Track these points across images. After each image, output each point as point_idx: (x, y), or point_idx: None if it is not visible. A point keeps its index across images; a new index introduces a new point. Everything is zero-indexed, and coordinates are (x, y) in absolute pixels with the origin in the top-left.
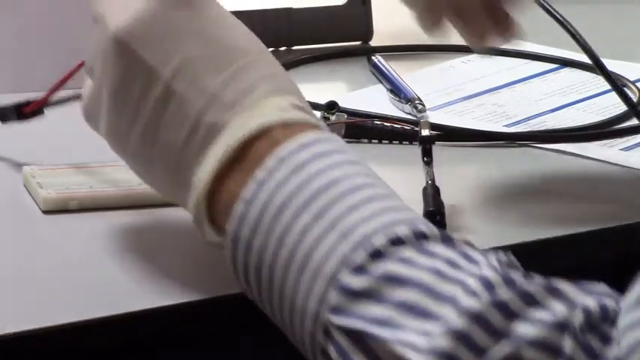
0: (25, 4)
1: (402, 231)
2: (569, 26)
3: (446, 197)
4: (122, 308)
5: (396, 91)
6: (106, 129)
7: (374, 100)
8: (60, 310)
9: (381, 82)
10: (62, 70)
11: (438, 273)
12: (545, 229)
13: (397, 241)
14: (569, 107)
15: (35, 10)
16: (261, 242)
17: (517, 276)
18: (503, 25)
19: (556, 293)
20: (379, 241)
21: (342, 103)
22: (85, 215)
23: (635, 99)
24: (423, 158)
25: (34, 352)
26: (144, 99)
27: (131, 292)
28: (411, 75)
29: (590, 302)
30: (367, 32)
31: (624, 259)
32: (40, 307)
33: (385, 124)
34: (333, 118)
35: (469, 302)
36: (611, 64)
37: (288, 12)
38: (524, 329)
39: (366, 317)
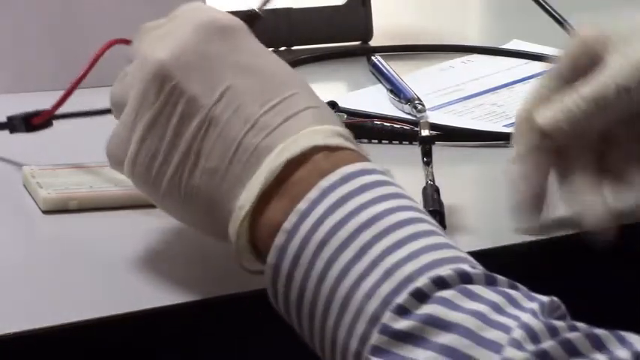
0: (25, 4)
1: (446, 272)
2: (568, 26)
3: (446, 197)
4: (122, 308)
5: (396, 91)
6: (135, 165)
7: (374, 100)
8: (60, 310)
9: (381, 82)
10: (62, 70)
11: (482, 317)
12: (545, 230)
13: (440, 283)
14: None
15: (35, 10)
16: (302, 276)
17: (560, 324)
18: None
19: (597, 343)
20: (422, 282)
21: (341, 103)
22: (84, 215)
23: None
24: (423, 158)
25: (34, 352)
26: (184, 127)
27: (131, 292)
28: (411, 75)
29: (624, 354)
30: (367, 32)
31: (624, 258)
32: (40, 307)
33: (385, 124)
34: None
35: (512, 353)
36: None
37: (288, 12)
38: None
39: None
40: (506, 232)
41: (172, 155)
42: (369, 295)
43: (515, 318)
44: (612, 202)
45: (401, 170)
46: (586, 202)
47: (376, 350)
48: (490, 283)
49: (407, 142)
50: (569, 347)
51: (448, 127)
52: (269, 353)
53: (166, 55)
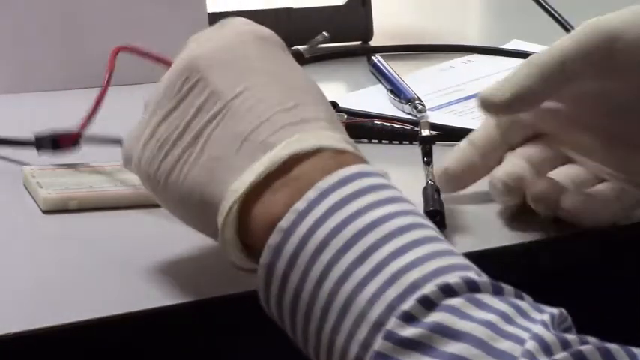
0: (25, 4)
1: (453, 280)
2: (568, 26)
3: (446, 197)
4: (122, 308)
5: (396, 91)
6: (144, 153)
7: (374, 100)
8: (60, 310)
9: (381, 82)
10: (62, 70)
11: (493, 327)
12: (546, 230)
13: (448, 290)
14: None
15: (35, 10)
16: (298, 277)
17: (572, 337)
18: None
19: (609, 357)
20: (429, 289)
21: (342, 103)
22: (84, 215)
23: None
24: (423, 158)
25: (34, 352)
26: (200, 114)
27: (131, 292)
28: (411, 75)
29: None
30: (367, 32)
31: (625, 258)
32: (40, 307)
33: (385, 124)
34: None
35: None
36: None
37: (288, 12)
38: None
39: None
40: (506, 233)
41: (179, 144)
42: (372, 300)
43: (526, 329)
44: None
45: (401, 170)
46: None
47: (380, 356)
48: (497, 292)
49: (407, 142)
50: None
51: (448, 127)
52: (270, 353)
53: (199, 51)
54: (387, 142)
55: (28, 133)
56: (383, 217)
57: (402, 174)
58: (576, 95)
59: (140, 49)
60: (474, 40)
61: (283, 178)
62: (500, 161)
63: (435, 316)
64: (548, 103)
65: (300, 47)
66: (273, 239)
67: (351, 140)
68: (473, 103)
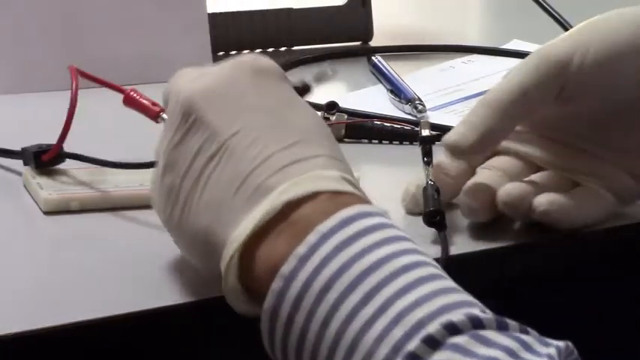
0: (25, 4)
1: (457, 317)
2: (568, 26)
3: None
4: (122, 309)
5: (396, 91)
6: (159, 195)
7: (374, 100)
8: (60, 311)
9: (381, 83)
10: (62, 70)
11: None
12: (546, 230)
13: (452, 329)
14: None
15: (35, 10)
16: (304, 319)
17: None
18: None
19: None
20: (434, 328)
21: (342, 104)
22: (85, 216)
23: None
24: (423, 158)
25: (35, 352)
26: (199, 156)
27: (131, 292)
28: (411, 75)
29: None
30: (367, 32)
31: (625, 258)
32: (41, 308)
33: (385, 124)
34: (333, 118)
35: None
36: None
37: (288, 12)
38: None
39: None
40: (505, 233)
41: (182, 189)
42: (379, 340)
43: None
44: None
45: (401, 170)
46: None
47: None
48: (502, 327)
49: (407, 143)
50: None
51: (449, 127)
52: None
53: (196, 88)
54: (387, 142)
55: (28, 134)
56: (387, 256)
57: (402, 174)
58: (537, 120)
59: (91, 75)
60: (474, 40)
61: (283, 224)
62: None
63: (440, 356)
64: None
65: (307, 78)
66: (276, 284)
67: (349, 170)
68: (473, 103)
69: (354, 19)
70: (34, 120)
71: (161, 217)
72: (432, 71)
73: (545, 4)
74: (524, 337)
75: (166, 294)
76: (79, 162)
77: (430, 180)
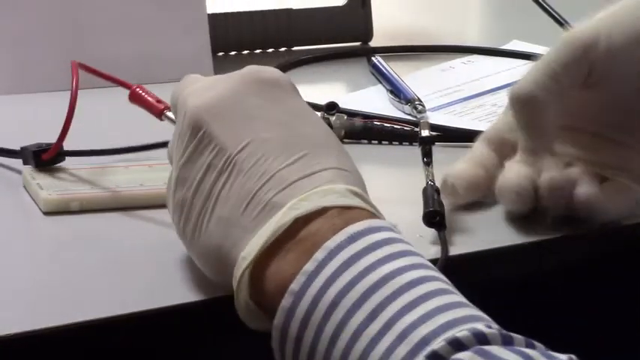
0: (25, 4)
1: (462, 333)
2: (568, 27)
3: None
4: (123, 309)
5: (396, 91)
6: (172, 207)
7: (374, 100)
8: (61, 311)
9: (381, 83)
10: (62, 70)
11: None
12: (546, 230)
13: (457, 345)
14: None
15: (35, 10)
16: (312, 338)
17: None
18: None
19: None
20: (438, 344)
21: (342, 104)
22: (85, 216)
23: None
24: (423, 159)
25: (35, 353)
26: (209, 172)
27: (132, 292)
28: (411, 76)
29: None
30: (367, 33)
31: (625, 258)
32: (41, 308)
33: (385, 124)
34: (333, 118)
35: None
36: None
37: (288, 12)
38: None
39: None
40: (506, 233)
41: (194, 205)
42: (384, 358)
43: None
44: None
45: (401, 171)
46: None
47: None
48: (506, 342)
49: (407, 143)
50: None
51: (448, 127)
52: (270, 353)
53: (203, 102)
54: (387, 142)
55: (27, 134)
56: (392, 273)
57: (402, 174)
58: (565, 109)
59: (93, 69)
60: (474, 40)
61: (291, 241)
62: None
63: None
64: None
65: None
66: (286, 302)
67: (359, 182)
68: (473, 103)
69: (354, 19)
70: (33, 120)
71: (175, 228)
72: (432, 72)
73: (545, 5)
74: (529, 351)
75: (167, 294)
76: (79, 162)
77: (430, 180)
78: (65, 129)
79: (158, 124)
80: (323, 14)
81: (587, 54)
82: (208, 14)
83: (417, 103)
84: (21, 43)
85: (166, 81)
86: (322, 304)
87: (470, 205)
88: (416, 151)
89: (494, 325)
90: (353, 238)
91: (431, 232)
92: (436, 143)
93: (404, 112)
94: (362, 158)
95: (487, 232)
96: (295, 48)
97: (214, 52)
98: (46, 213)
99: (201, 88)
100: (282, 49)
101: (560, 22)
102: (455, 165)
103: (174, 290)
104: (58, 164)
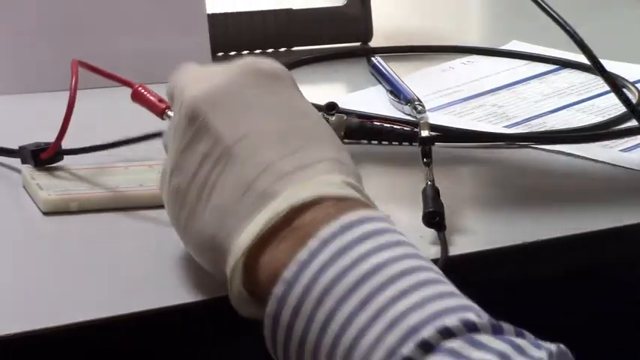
0: (25, 4)
1: (452, 322)
2: (567, 27)
3: (445, 198)
4: (123, 309)
5: (396, 92)
6: (167, 195)
7: (374, 101)
8: (60, 311)
9: (381, 83)
10: (62, 70)
11: None
12: (546, 230)
13: (446, 333)
14: (569, 108)
15: (35, 10)
16: (303, 326)
17: None
18: None
19: None
20: (428, 332)
21: (341, 104)
22: (84, 216)
23: (634, 100)
24: (423, 159)
25: (35, 353)
26: (205, 161)
27: (132, 293)
28: (411, 76)
29: None
30: (367, 33)
31: (625, 258)
32: (41, 308)
33: (385, 125)
34: (332, 119)
35: None
36: (610, 65)
37: (288, 12)
38: None
39: None
40: (505, 233)
41: (190, 193)
42: (373, 346)
43: None
44: None
45: (401, 171)
46: None
47: None
48: (496, 331)
49: (407, 143)
50: None
51: (448, 128)
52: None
53: (200, 92)
54: (387, 142)
55: (26, 134)
56: (384, 262)
57: (402, 175)
58: None
59: (96, 67)
60: (474, 41)
61: (286, 229)
62: None
63: (434, 359)
64: None
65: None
66: (278, 289)
67: (354, 173)
68: (472, 104)
69: (354, 19)
70: (32, 120)
71: (169, 215)
72: (432, 72)
73: (544, 5)
74: (518, 340)
75: (167, 294)
76: (77, 161)
77: (430, 180)
78: (64, 128)
79: (155, 125)
80: (323, 14)
81: None
82: (208, 14)
83: (416, 103)
84: (21, 43)
85: (166, 81)
86: (314, 292)
87: (470, 205)
88: (416, 151)
89: (485, 315)
90: (346, 228)
91: (431, 232)
92: (436, 143)
93: (404, 113)
94: (362, 158)
95: (487, 232)
96: (295, 48)
97: (214, 52)
98: (46, 213)
99: (199, 78)
100: (282, 49)
101: (560, 23)
102: None
103: (175, 290)
104: (57, 163)
